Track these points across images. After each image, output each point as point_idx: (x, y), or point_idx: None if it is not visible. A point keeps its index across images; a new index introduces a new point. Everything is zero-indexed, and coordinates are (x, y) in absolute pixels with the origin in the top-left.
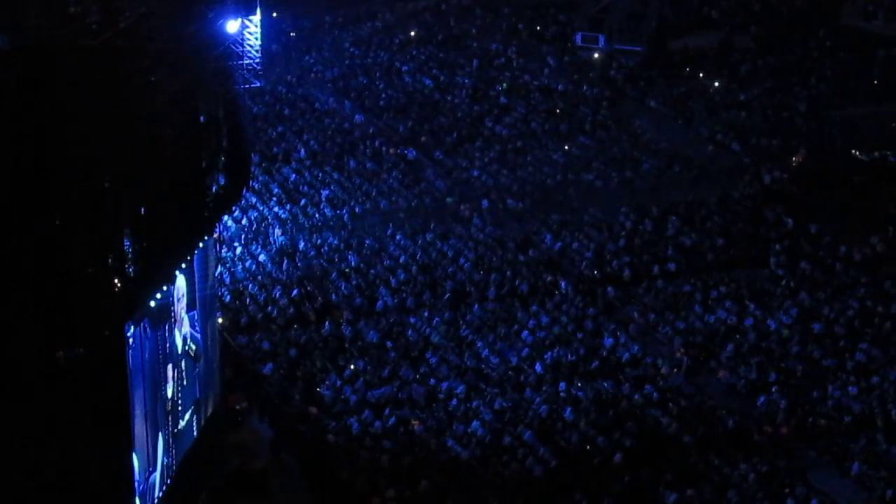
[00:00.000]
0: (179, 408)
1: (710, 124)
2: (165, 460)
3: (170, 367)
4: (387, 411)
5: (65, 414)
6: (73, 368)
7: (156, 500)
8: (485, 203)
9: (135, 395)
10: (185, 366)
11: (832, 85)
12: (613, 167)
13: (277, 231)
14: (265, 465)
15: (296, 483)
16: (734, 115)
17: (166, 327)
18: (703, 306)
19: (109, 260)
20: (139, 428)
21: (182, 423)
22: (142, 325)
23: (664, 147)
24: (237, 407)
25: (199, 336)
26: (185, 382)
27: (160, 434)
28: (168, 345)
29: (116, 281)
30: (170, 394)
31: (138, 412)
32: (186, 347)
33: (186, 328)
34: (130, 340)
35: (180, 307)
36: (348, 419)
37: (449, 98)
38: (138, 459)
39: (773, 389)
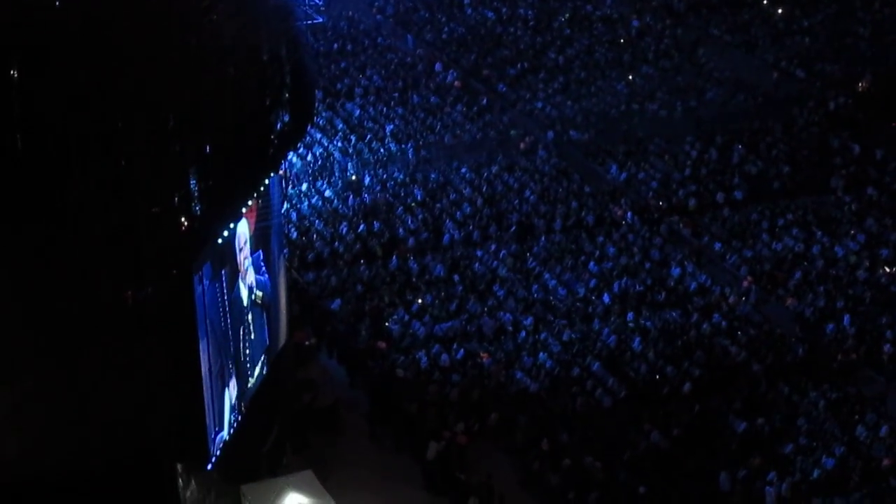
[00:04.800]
0: (248, 365)
1: (774, 51)
2: (232, 418)
3: (241, 328)
4: (455, 345)
5: (135, 354)
6: (142, 308)
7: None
8: (549, 134)
9: (199, 347)
10: (253, 317)
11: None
12: (677, 96)
13: (350, 166)
14: (335, 400)
15: (365, 418)
16: (798, 41)
17: (224, 279)
18: (769, 234)
19: (175, 199)
20: (204, 385)
21: (251, 381)
22: (201, 273)
23: (728, 75)
24: (306, 343)
25: (265, 279)
26: (253, 336)
27: (226, 392)
28: (228, 299)
29: (183, 220)
30: (240, 355)
31: (203, 368)
32: (253, 297)
33: (251, 277)
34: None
35: (243, 256)
36: (417, 353)
37: (511, 30)
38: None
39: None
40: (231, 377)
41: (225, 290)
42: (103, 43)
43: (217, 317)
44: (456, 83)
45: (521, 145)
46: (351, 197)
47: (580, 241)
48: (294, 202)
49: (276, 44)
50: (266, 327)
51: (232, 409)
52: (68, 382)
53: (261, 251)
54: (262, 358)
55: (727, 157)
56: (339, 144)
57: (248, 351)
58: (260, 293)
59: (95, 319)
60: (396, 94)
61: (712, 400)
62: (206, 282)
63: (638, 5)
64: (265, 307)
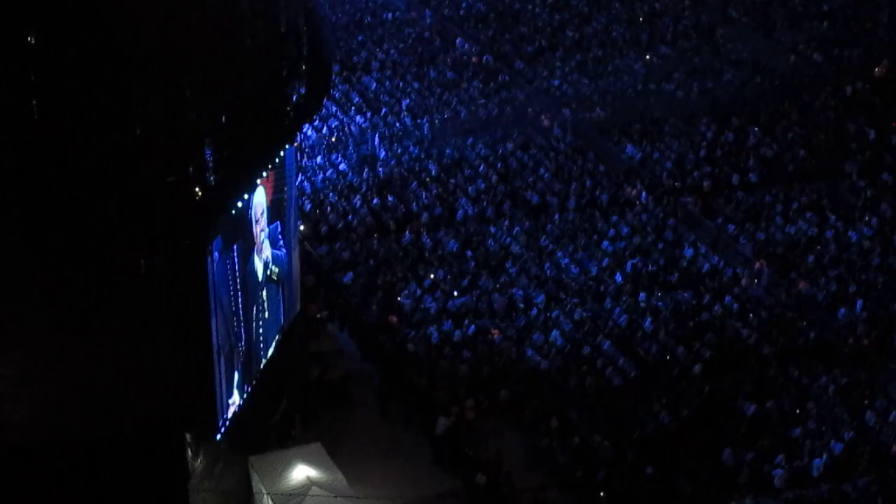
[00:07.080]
0: (261, 345)
1: (792, 34)
2: (240, 397)
3: (254, 307)
4: (466, 321)
5: (147, 323)
6: (154, 277)
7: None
8: (566, 112)
9: (210, 318)
10: (268, 294)
11: None
12: (694, 77)
13: (375, 139)
14: (345, 373)
15: (375, 391)
16: (816, 25)
17: (237, 253)
18: (783, 217)
19: (190, 169)
20: (214, 358)
21: (263, 362)
22: (211, 246)
23: (745, 57)
24: (318, 316)
25: (282, 254)
26: (267, 315)
27: (235, 374)
28: (241, 275)
29: (197, 189)
30: (252, 335)
31: (213, 342)
32: (268, 272)
33: (267, 251)
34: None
35: (259, 228)
36: (428, 328)
37: (529, 7)
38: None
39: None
40: (240, 359)
41: (237, 266)
42: (121, 10)
43: (226, 294)
44: (473, 59)
45: (546, 122)
46: (366, 170)
47: (594, 220)
48: (308, 174)
49: (293, 15)
50: (281, 305)
51: (241, 388)
52: (79, 348)
53: (278, 223)
54: (276, 339)
55: (742, 140)
56: (356, 118)
57: (261, 331)
58: (276, 269)
59: (107, 286)
60: (413, 69)
61: (722, 382)
62: (215, 255)
63: None
64: (280, 283)
